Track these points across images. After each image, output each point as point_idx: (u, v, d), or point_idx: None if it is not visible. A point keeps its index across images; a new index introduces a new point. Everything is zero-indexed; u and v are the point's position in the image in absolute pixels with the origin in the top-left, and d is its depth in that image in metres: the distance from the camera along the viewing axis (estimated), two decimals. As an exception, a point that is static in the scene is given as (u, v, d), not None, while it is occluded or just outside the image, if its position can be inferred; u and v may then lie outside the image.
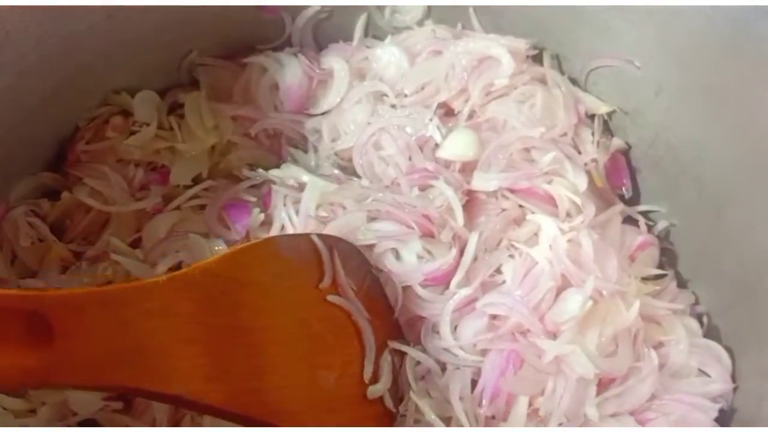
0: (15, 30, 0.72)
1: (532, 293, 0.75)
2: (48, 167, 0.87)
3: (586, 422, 0.73)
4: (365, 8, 0.96)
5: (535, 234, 0.81)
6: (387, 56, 0.93)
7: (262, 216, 0.81)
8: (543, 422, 0.73)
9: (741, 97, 0.76)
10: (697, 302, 0.85)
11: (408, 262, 0.79)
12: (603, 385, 0.75)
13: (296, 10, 0.95)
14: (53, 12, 0.75)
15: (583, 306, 0.72)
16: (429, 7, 0.95)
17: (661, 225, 0.89)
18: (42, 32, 0.76)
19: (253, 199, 0.83)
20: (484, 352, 0.75)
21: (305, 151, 0.93)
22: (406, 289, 0.79)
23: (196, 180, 0.88)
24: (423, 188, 0.84)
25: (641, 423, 0.75)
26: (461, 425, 0.73)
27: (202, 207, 0.85)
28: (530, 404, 0.74)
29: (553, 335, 0.74)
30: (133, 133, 0.88)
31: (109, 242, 0.80)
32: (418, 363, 0.76)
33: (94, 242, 0.82)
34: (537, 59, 0.92)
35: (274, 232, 0.80)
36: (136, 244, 0.82)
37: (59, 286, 0.78)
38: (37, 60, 0.77)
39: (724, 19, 0.74)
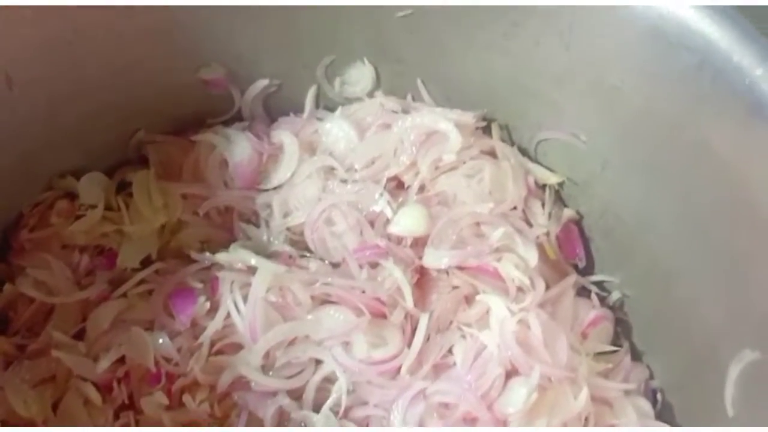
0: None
1: (481, 380, 0.74)
2: (-7, 258, 0.85)
3: None
4: (315, 80, 0.95)
5: (487, 313, 0.80)
6: (336, 130, 0.92)
7: (207, 305, 0.80)
8: None
9: (684, 173, 0.75)
10: (651, 377, 0.84)
11: (359, 354, 0.78)
12: (554, 475, 0.74)
13: (245, 84, 0.95)
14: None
15: (528, 399, 0.71)
16: (378, 78, 0.95)
17: (615, 296, 0.89)
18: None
19: (200, 286, 0.82)
20: (433, 445, 0.74)
21: (257, 226, 0.91)
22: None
23: (145, 262, 0.86)
24: (374, 266, 0.83)
25: None
26: None
27: (151, 292, 0.83)
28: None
29: (504, 423, 0.73)
30: (79, 216, 0.87)
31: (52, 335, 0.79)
32: None
33: (39, 333, 0.80)
34: (487, 129, 0.92)
35: (220, 318, 0.79)
36: (81, 334, 0.80)
37: (1, 384, 0.76)
38: (-25, 151, 0.76)
39: (664, 99, 0.74)
